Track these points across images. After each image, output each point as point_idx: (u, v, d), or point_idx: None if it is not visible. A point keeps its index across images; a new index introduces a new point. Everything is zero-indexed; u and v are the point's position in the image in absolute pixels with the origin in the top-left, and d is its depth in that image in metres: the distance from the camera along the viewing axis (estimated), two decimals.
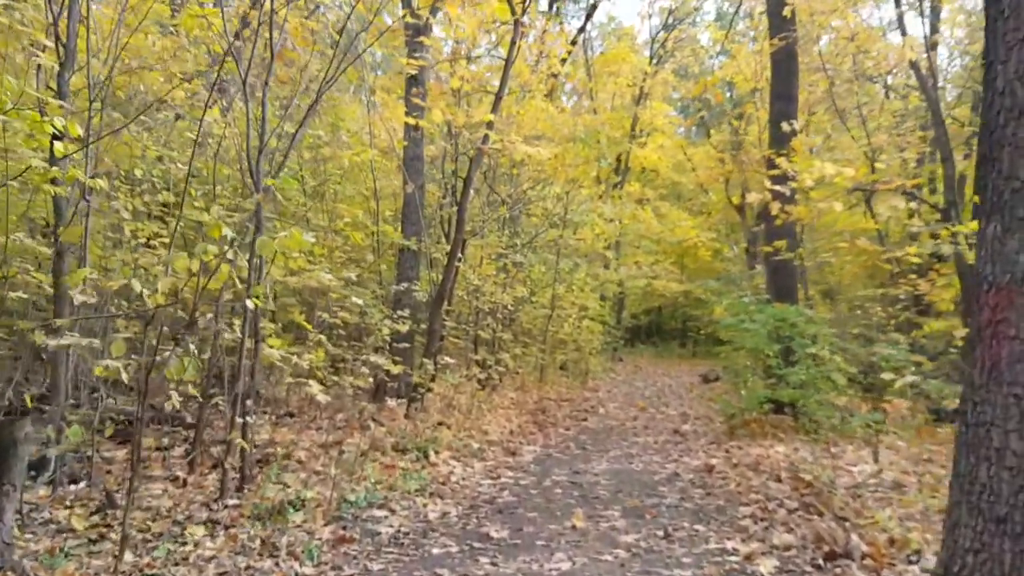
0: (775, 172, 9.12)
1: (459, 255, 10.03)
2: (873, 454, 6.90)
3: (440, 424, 8.73)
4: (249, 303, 4.31)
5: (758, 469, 6.78)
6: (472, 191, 10.77)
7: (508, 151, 9.17)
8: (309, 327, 7.30)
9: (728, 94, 34.68)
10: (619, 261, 21.17)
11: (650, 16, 31.02)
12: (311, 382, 5.87)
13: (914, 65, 9.70)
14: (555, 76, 15.82)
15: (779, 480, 6.25)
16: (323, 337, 7.21)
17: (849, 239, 9.90)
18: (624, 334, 25.83)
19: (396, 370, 7.38)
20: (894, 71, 12.97)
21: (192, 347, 4.59)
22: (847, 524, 4.63)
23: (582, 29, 25.28)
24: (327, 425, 8.55)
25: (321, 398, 5.72)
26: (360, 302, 6.27)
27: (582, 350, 15.86)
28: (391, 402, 8.58)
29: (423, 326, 10.74)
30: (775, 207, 9.35)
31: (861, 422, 6.82)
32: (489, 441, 8.27)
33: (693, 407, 12.72)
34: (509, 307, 13.35)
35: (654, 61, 26.98)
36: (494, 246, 12.27)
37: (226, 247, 3.99)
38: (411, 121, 8.39)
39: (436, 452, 7.34)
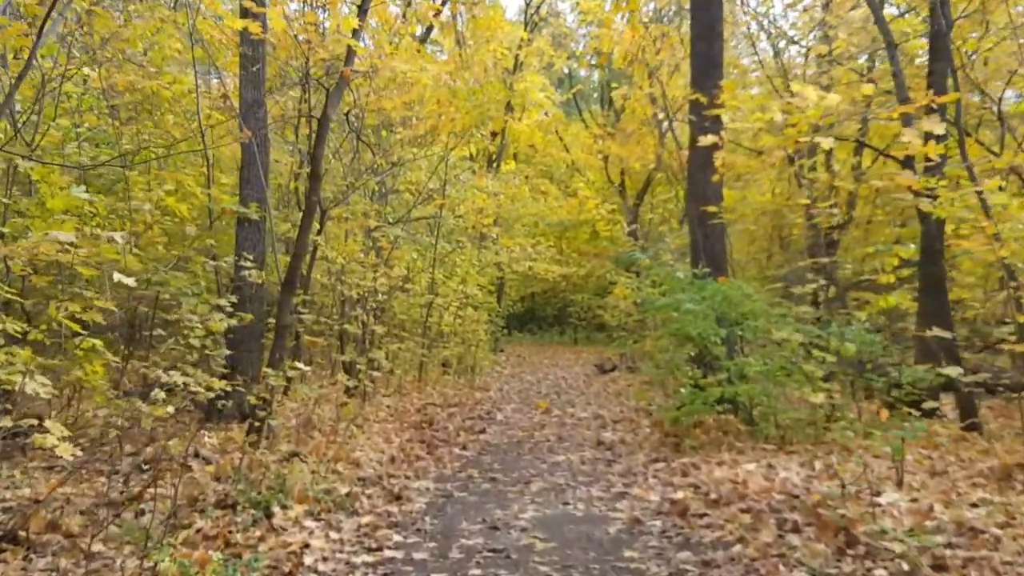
0: (719, 111, 7.22)
1: (318, 227, 7.63)
2: (897, 476, 5.07)
3: (293, 456, 6.31)
4: None
5: (750, 508, 4.80)
6: (327, 148, 8.36)
7: (380, 74, 6.80)
8: (75, 327, 4.75)
9: (597, 68, 33.37)
10: (500, 243, 19.07)
11: None
12: (50, 424, 3.38)
13: None
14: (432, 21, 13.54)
15: (797, 530, 4.28)
16: (98, 342, 4.68)
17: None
18: (503, 322, 23.91)
19: (217, 385, 4.96)
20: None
21: None
22: None
23: None
24: (127, 468, 6.00)
25: (64, 451, 3.26)
26: (131, 282, 3.80)
27: (467, 343, 13.65)
28: (207, 437, 6.15)
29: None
30: (719, 158, 7.48)
31: (909, 436, 4.93)
32: (362, 478, 5.93)
33: (604, 406, 10.79)
34: (382, 295, 11.01)
35: (529, 28, 25.11)
36: (360, 218, 9.81)
37: None
38: (243, 24, 5.83)
39: (284, 507, 4.95)
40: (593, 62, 34.11)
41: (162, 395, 4.16)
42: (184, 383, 4.44)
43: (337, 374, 8.49)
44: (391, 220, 11.60)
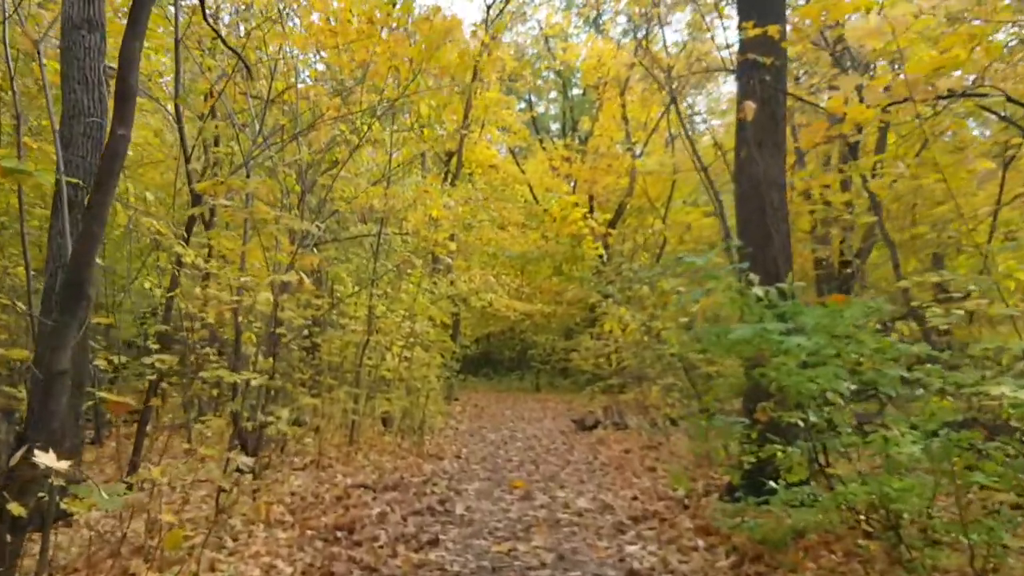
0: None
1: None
2: None
3: None
4: None
5: None
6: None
7: None
8: None
9: (568, 91, 31.06)
10: (455, 268, 15.98)
11: None
12: None
13: None
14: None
15: None
16: None
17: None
18: (459, 366, 20.71)
19: None
20: None
21: None
22: None
23: None
24: None
25: None
26: None
27: (416, 393, 10.42)
28: None
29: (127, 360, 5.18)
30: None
31: None
32: None
33: (606, 485, 7.67)
34: (305, 327, 7.90)
35: (490, 36, 22.49)
36: (267, 203, 6.57)
37: None
38: None
39: None
40: (553, 96, 32.22)
41: None
42: None
43: (195, 461, 5.29)
44: (319, 223, 8.46)
